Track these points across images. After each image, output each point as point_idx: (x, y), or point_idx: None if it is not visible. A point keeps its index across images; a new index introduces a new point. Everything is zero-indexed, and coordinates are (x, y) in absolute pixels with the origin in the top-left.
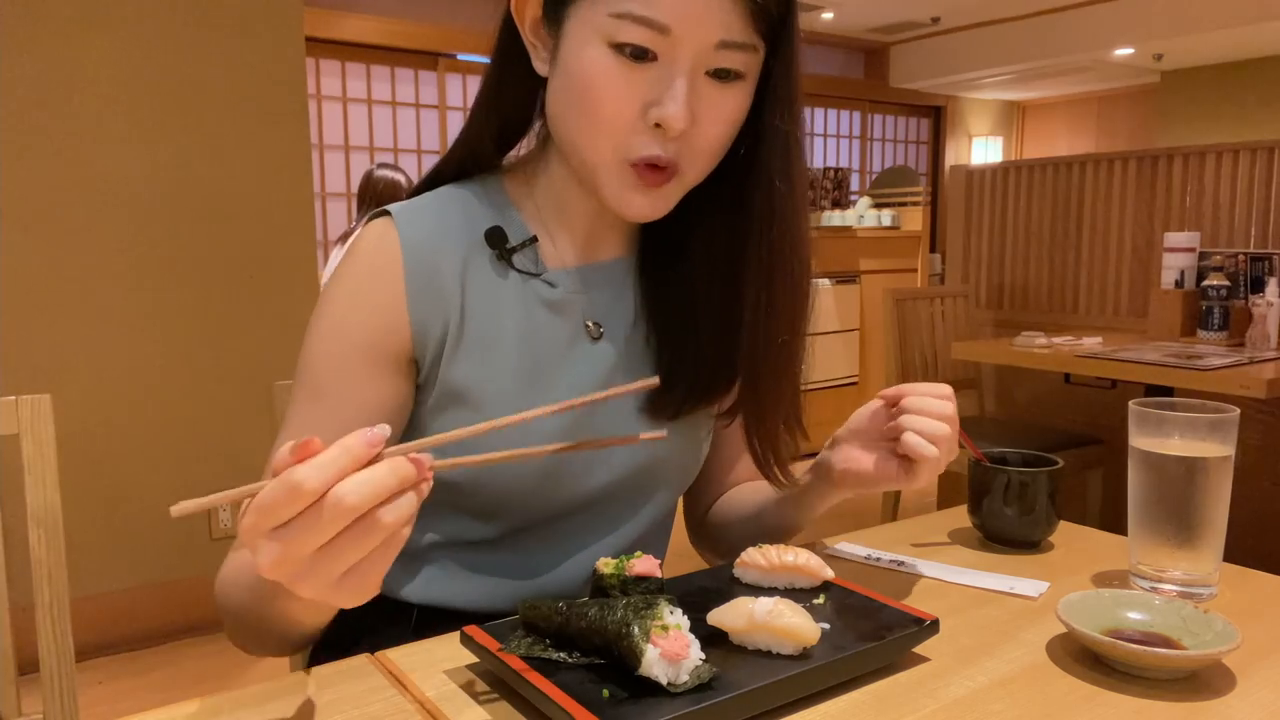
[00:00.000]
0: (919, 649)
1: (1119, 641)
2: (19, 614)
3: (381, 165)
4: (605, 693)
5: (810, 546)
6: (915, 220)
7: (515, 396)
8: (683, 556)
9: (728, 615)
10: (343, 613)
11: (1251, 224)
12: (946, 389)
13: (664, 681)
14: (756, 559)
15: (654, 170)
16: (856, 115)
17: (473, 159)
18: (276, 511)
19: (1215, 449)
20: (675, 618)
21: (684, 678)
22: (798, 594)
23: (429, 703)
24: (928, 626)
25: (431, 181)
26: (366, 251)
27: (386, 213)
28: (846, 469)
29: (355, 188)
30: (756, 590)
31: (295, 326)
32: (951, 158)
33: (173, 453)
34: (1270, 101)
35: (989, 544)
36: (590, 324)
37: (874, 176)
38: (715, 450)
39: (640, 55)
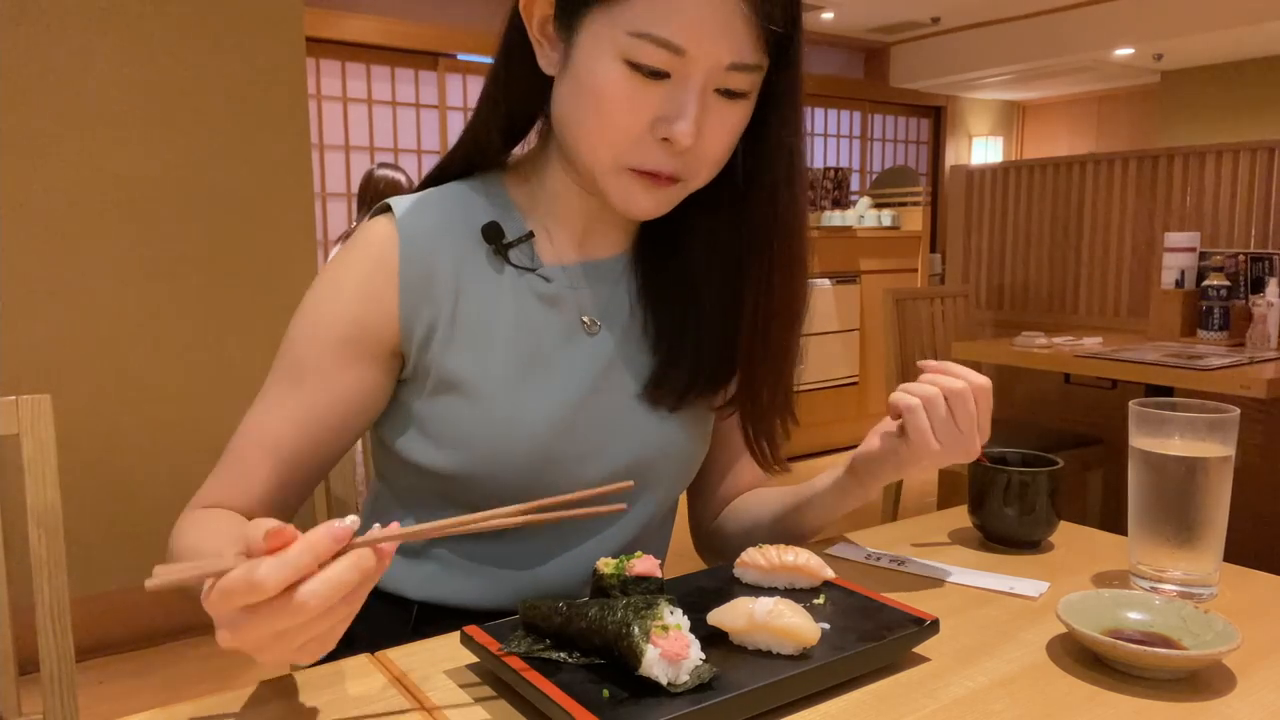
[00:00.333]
0: (919, 649)
1: (1119, 642)
2: (19, 614)
3: (382, 165)
4: (605, 693)
5: (809, 546)
6: (915, 220)
7: (510, 387)
8: (683, 556)
9: (728, 615)
10: None
11: (1251, 224)
12: (968, 372)
13: (664, 681)
14: (756, 559)
15: (656, 176)
16: (856, 115)
17: (479, 153)
18: (238, 600)
19: (1215, 449)
20: (675, 618)
21: (684, 678)
22: (798, 594)
23: (429, 702)
24: (928, 626)
25: (436, 177)
26: (365, 244)
27: (388, 207)
28: (858, 451)
29: (355, 188)
30: (756, 590)
31: None
32: (951, 158)
33: (173, 453)
34: (1270, 101)
35: (989, 544)
36: (586, 319)
37: (874, 176)
38: (715, 455)
39: (656, 75)
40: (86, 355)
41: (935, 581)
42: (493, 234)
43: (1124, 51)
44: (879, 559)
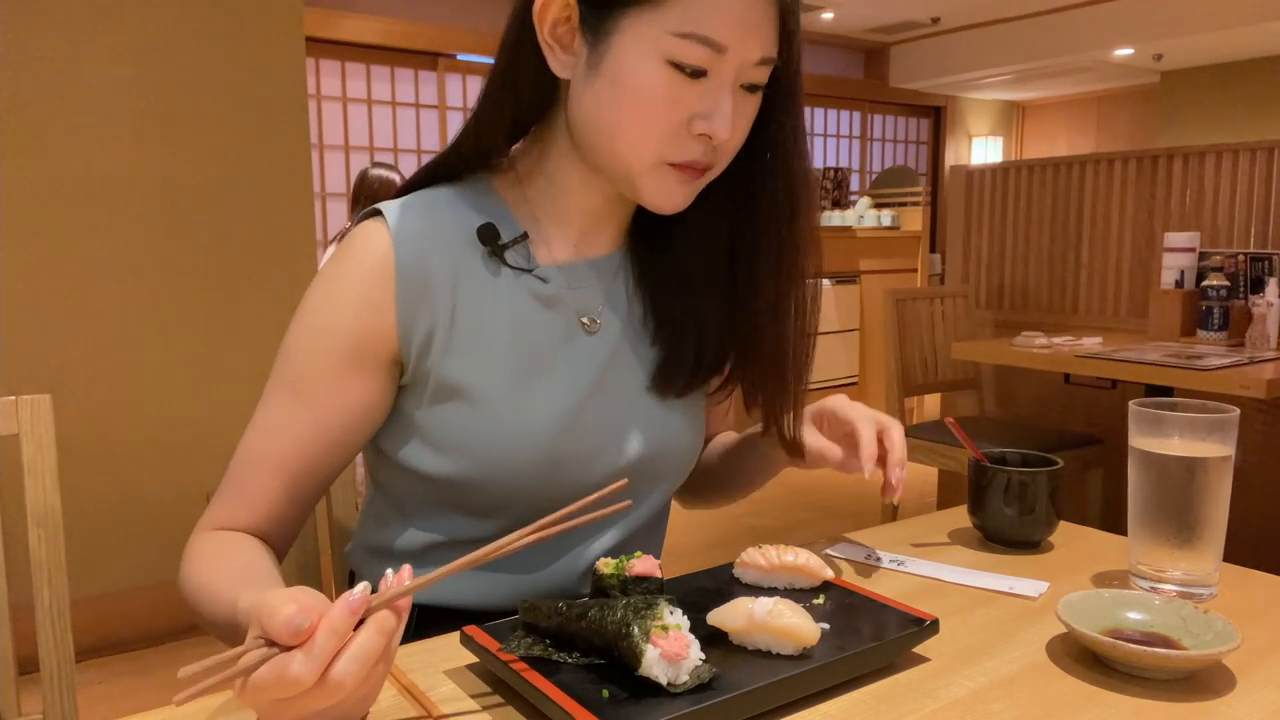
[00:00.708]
0: (919, 649)
1: (1119, 642)
2: (19, 614)
3: (377, 164)
4: (605, 693)
5: (810, 547)
6: (915, 220)
7: (511, 390)
8: (682, 556)
9: (728, 615)
10: None
11: (1251, 224)
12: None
13: (664, 681)
14: (756, 559)
15: (691, 168)
16: (856, 115)
17: (480, 156)
18: (275, 694)
19: (1215, 449)
20: (675, 618)
21: (684, 678)
22: (798, 594)
23: (429, 703)
24: (928, 626)
25: (431, 175)
26: (357, 251)
27: (378, 212)
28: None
29: None
30: (756, 590)
31: None
32: (951, 158)
33: (173, 453)
34: (1270, 101)
35: (989, 544)
36: (585, 319)
37: (874, 176)
38: None
39: (698, 74)
40: (86, 355)
41: (935, 581)
42: (489, 235)
43: (1124, 51)
44: (879, 559)
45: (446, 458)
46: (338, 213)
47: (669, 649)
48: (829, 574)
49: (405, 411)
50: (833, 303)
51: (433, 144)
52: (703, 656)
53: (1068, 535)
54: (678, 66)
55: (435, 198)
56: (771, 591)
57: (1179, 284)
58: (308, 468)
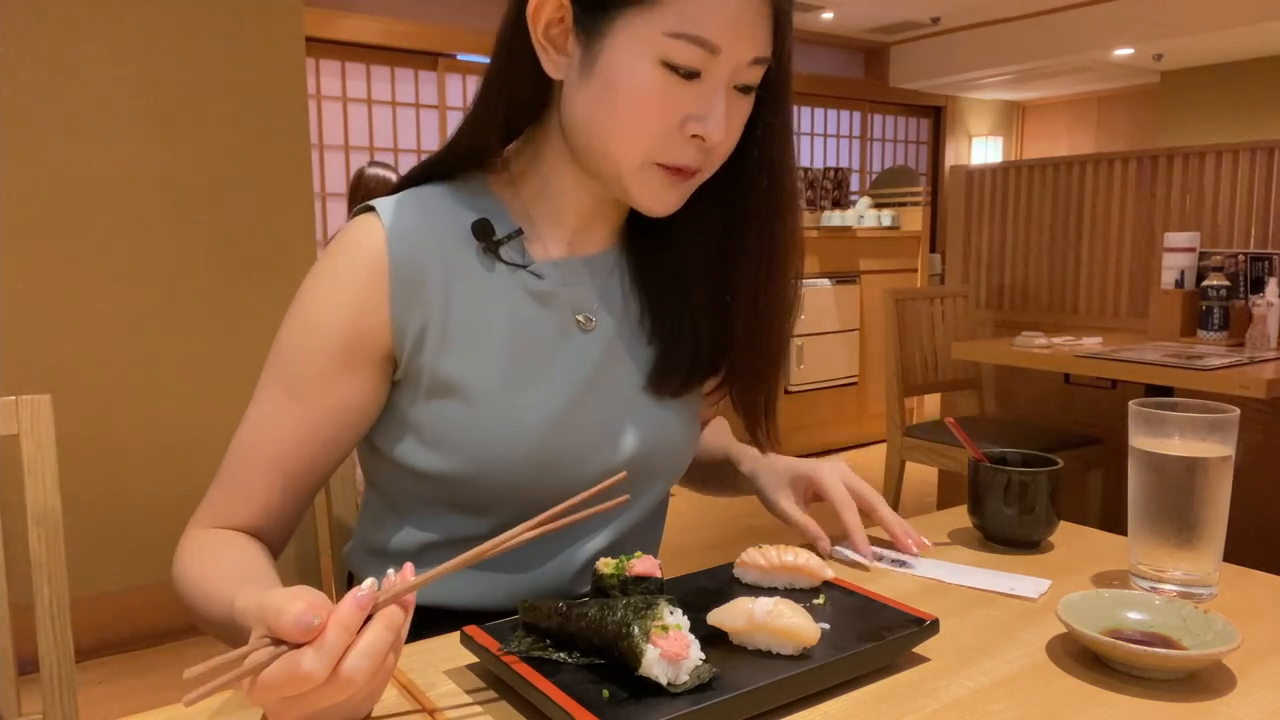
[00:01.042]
0: (919, 649)
1: (1119, 641)
2: (19, 614)
3: (374, 163)
4: (605, 693)
5: (809, 547)
6: (915, 220)
7: (505, 388)
8: (682, 557)
9: (728, 615)
10: None
11: (1251, 224)
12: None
13: (664, 681)
14: (756, 559)
15: (682, 171)
16: (856, 115)
17: (474, 157)
18: (286, 691)
19: (1215, 449)
20: (675, 618)
21: (684, 678)
22: (798, 594)
23: (429, 702)
24: (928, 626)
25: (426, 174)
26: (350, 247)
27: (371, 208)
28: (766, 492)
29: None
30: (756, 590)
31: None
32: (951, 158)
33: (173, 453)
34: (1270, 101)
35: (989, 544)
36: (581, 317)
37: (874, 176)
38: None
39: (692, 75)
40: (86, 355)
41: (935, 581)
42: (483, 231)
43: (1124, 51)
44: (880, 558)
45: (440, 454)
46: (338, 213)
47: (669, 649)
48: (829, 574)
49: (399, 408)
50: (833, 303)
51: (432, 144)
52: (703, 656)
53: (1068, 535)
54: (671, 67)
55: (429, 194)
56: (771, 591)
57: (1179, 284)
58: (301, 465)
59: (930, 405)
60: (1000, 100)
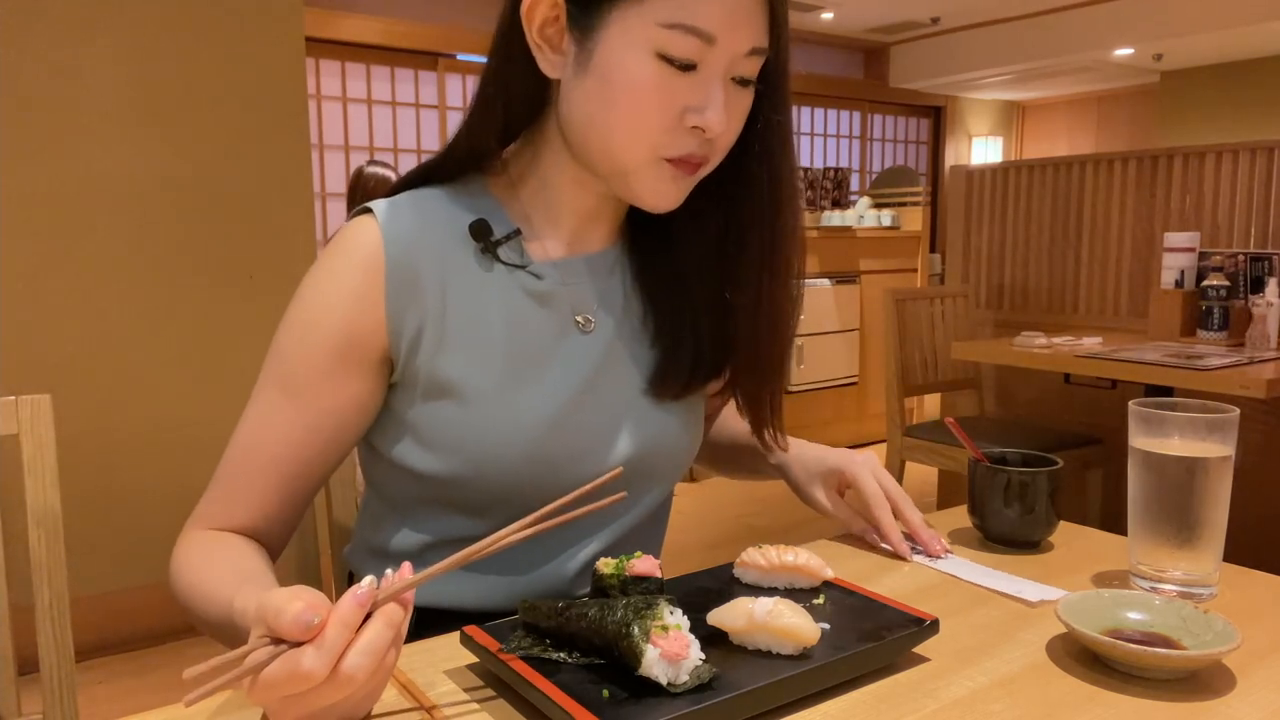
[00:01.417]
0: (919, 649)
1: (1119, 641)
2: (19, 614)
3: (372, 162)
4: (605, 693)
5: (810, 547)
6: (915, 220)
7: (503, 389)
8: (682, 557)
9: (728, 615)
10: None
11: (1251, 224)
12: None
13: (664, 681)
14: (756, 559)
15: (687, 163)
16: (856, 115)
17: (473, 160)
18: (286, 690)
19: (1215, 449)
20: (675, 618)
21: (684, 678)
22: (798, 594)
23: (429, 702)
24: (928, 626)
25: (424, 176)
26: (347, 247)
27: (368, 209)
28: (804, 486)
29: None
30: (756, 590)
31: None
32: (951, 158)
33: (173, 453)
34: (1270, 101)
35: (989, 544)
36: (580, 318)
37: (874, 176)
38: None
39: (688, 67)
40: (86, 355)
41: (935, 581)
42: (481, 231)
43: (1124, 51)
44: (915, 551)
45: (438, 455)
46: (337, 213)
47: (669, 649)
48: (829, 574)
49: (396, 409)
50: (833, 303)
51: (432, 144)
52: (703, 656)
53: (1068, 535)
54: (667, 59)
55: (427, 196)
56: (771, 591)
57: (1179, 284)
58: (298, 466)
59: (930, 405)
60: (1000, 100)
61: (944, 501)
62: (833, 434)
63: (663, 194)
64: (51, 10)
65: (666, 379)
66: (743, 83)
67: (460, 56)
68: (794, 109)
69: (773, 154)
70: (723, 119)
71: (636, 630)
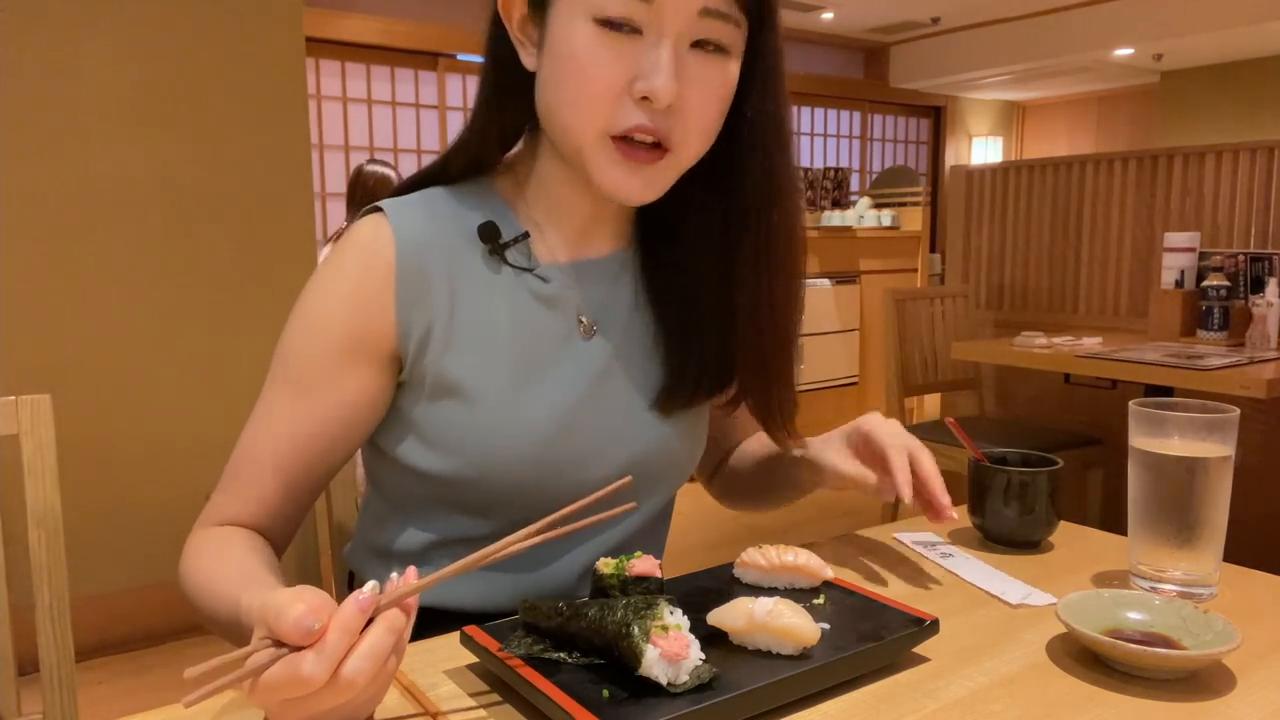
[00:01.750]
0: (919, 649)
1: (1119, 641)
2: (19, 614)
3: (372, 161)
4: (605, 693)
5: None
6: (915, 220)
7: (508, 391)
8: (682, 557)
9: (728, 615)
10: None
11: (1251, 224)
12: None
13: (664, 681)
14: (756, 559)
15: (640, 146)
16: (856, 115)
17: (474, 165)
18: (286, 694)
19: (1215, 449)
20: (675, 618)
21: (684, 678)
22: (798, 594)
23: (429, 703)
24: (928, 626)
25: (430, 179)
26: (358, 245)
27: (379, 209)
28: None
29: None
30: (756, 590)
31: None
32: (951, 158)
33: (173, 453)
34: (1270, 101)
35: (989, 544)
36: (583, 321)
37: (874, 176)
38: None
39: (624, 25)
40: (86, 355)
41: (935, 581)
42: (489, 233)
43: (1124, 51)
44: (933, 546)
45: (442, 455)
46: (338, 212)
47: (669, 649)
48: (829, 574)
49: (402, 408)
50: (833, 303)
51: (432, 144)
52: (703, 656)
53: (1068, 535)
54: (607, 24)
55: (436, 196)
56: (771, 591)
57: (1179, 284)
58: (307, 463)
59: (930, 405)
60: (1000, 100)
61: None
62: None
63: (621, 182)
64: (51, 10)
65: (671, 395)
66: (707, 50)
67: (460, 56)
68: (794, 107)
69: (766, 146)
70: (670, 85)
71: (636, 630)
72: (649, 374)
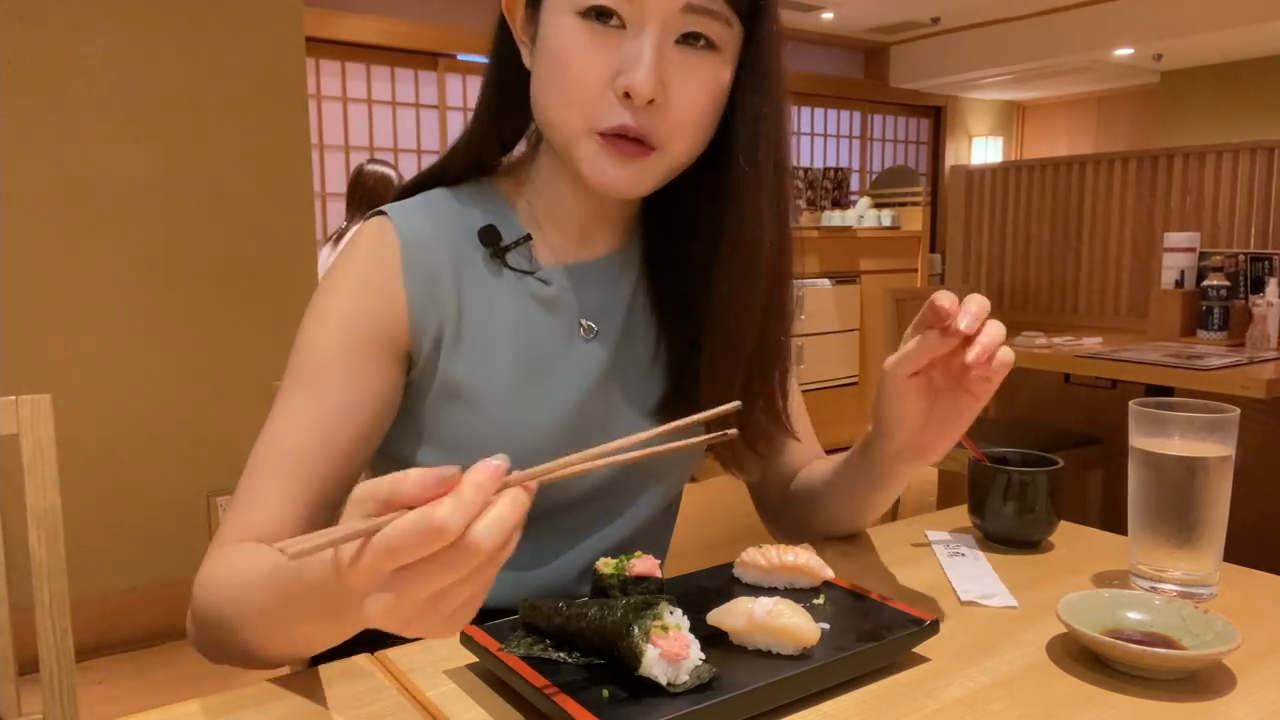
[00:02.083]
0: (919, 649)
1: (1119, 641)
2: (19, 614)
3: (373, 161)
4: (605, 693)
5: (810, 545)
6: (915, 220)
7: (512, 394)
8: (683, 557)
9: (727, 615)
10: None
11: (1251, 224)
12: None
13: (664, 681)
14: (756, 559)
15: (625, 140)
16: (856, 115)
17: (476, 167)
18: (409, 553)
19: (1215, 449)
20: (675, 618)
21: (684, 678)
22: (797, 594)
23: (429, 703)
24: (927, 626)
25: (428, 184)
26: (366, 246)
27: (382, 212)
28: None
29: None
30: (756, 590)
31: (294, 326)
32: (951, 158)
33: (172, 453)
34: (1270, 101)
35: (989, 544)
36: (583, 323)
37: (874, 176)
38: None
39: (605, 16)
40: (86, 355)
41: (935, 581)
42: (490, 237)
43: (1124, 51)
44: (955, 547)
45: (445, 455)
46: (338, 213)
47: (669, 649)
48: (829, 574)
49: (407, 407)
50: (833, 303)
51: (433, 144)
52: (703, 656)
53: (1068, 535)
54: (589, 15)
55: (438, 198)
56: (771, 591)
57: (1179, 284)
58: (325, 466)
59: None
60: (1000, 100)
61: (944, 501)
62: (833, 434)
63: (606, 175)
64: (51, 10)
65: (671, 404)
66: (690, 42)
67: (460, 56)
68: (794, 108)
69: (755, 147)
70: (649, 79)
71: (636, 630)
72: (650, 378)
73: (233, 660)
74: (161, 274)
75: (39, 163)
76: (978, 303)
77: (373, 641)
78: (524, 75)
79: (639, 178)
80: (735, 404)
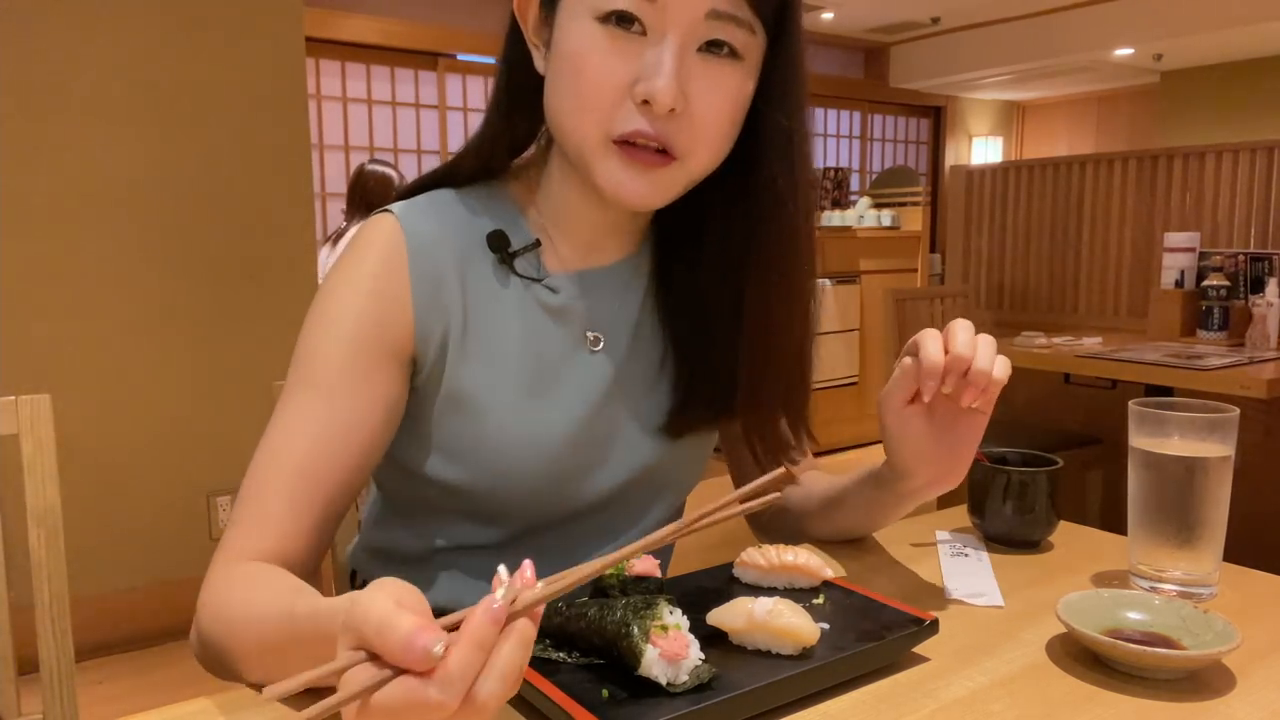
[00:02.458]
0: (919, 649)
1: (1119, 641)
2: (19, 614)
3: (373, 160)
4: (605, 693)
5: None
6: (915, 220)
7: (517, 404)
8: (682, 557)
9: (727, 615)
10: None
11: (1251, 224)
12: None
13: (663, 681)
14: (756, 559)
15: (645, 150)
16: (856, 115)
17: (483, 169)
18: (404, 717)
19: (1215, 449)
20: (675, 618)
21: (683, 678)
22: (797, 594)
23: None
24: (927, 626)
25: (438, 182)
26: (372, 246)
27: (388, 211)
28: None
29: None
30: (756, 590)
31: (294, 326)
32: (951, 158)
33: (172, 453)
34: (1270, 101)
35: (989, 544)
36: (590, 335)
37: (874, 176)
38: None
39: (625, 21)
40: (86, 355)
41: (935, 581)
42: (498, 243)
43: (1124, 51)
44: (957, 545)
45: (451, 464)
46: (338, 213)
47: (669, 649)
48: (829, 574)
49: (412, 414)
50: (833, 303)
51: (433, 144)
52: (702, 656)
53: (1068, 535)
54: (609, 20)
55: (446, 200)
56: (771, 591)
57: (1179, 284)
58: (329, 474)
59: None
60: (1000, 100)
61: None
62: (833, 434)
63: (624, 185)
64: (51, 10)
65: (679, 418)
66: (713, 50)
67: (460, 56)
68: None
69: (770, 160)
70: (670, 88)
71: (636, 630)
72: (658, 391)
73: (235, 680)
74: (162, 274)
75: (39, 163)
76: (961, 341)
77: None
78: (535, 79)
79: (657, 189)
80: (780, 470)
